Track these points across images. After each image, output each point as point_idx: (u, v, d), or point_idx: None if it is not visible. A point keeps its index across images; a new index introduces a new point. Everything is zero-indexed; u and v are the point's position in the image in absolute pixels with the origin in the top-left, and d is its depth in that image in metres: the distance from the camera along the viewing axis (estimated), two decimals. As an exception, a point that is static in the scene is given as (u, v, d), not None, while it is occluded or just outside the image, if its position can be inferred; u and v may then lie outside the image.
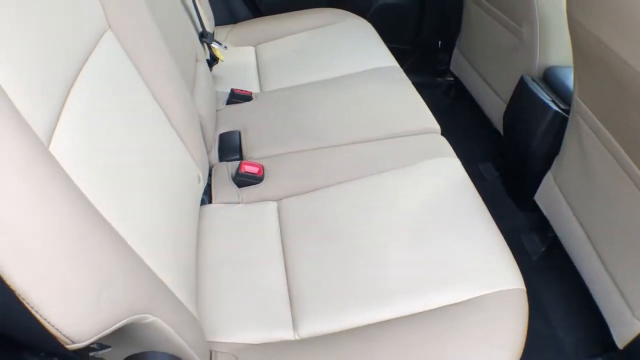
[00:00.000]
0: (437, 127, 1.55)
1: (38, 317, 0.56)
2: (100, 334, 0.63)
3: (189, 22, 1.72)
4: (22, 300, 0.55)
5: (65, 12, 0.87)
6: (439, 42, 2.64)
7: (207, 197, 1.36)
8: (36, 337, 0.60)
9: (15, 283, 0.54)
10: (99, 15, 1.00)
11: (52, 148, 0.70)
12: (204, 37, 1.81)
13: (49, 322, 0.57)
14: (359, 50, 2.00)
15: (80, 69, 0.86)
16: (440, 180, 1.32)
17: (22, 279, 0.55)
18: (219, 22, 2.24)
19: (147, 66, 1.09)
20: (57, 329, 0.58)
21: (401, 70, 1.86)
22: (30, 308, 0.56)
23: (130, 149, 0.94)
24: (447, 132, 1.55)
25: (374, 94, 1.70)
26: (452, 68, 2.54)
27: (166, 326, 0.77)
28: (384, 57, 1.95)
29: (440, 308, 1.03)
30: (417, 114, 1.60)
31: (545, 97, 1.67)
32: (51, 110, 0.74)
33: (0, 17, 0.67)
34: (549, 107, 1.64)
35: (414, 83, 1.78)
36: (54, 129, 0.73)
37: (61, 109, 0.76)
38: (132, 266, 0.73)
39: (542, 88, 1.72)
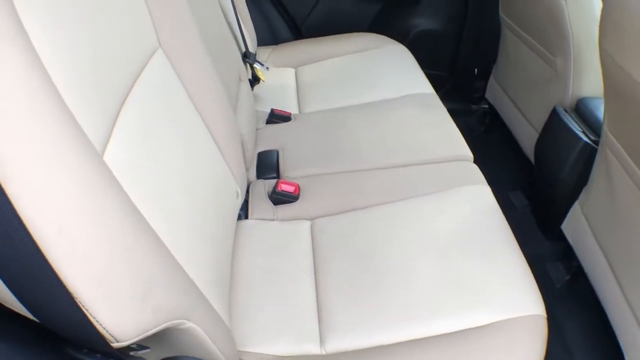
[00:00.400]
0: (470, 154, 1.58)
1: (88, 315, 0.61)
2: (142, 334, 0.68)
3: (233, 42, 1.79)
4: (74, 298, 0.60)
5: (121, 31, 0.93)
6: (476, 70, 2.67)
7: (243, 212, 1.41)
8: (81, 334, 0.64)
9: (70, 282, 0.59)
10: (150, 34, 1.06)
11: (106, 158, 0.75)
12: (247, 57, 1.88)
13: (97, 321, 0.62)
14: (396, 76, 2.04)
15: (133, 85, 0.92)
16: (470, 207, 1.35)
17: (77, 280, 0.60)
18: (262, 42, 2.31)
19: (193, 84, 1.15)
20: (104, 328, 0.63)
21: (437, 96, 1.90)
22: (81, 306, 0.61)
23: (176, 162, 0.99)
24: (479, 159, 1.58)
25: (409, 120, 1.74)
26: (487, 96, 2.56)
27: (202, 332, 0.82)
28: (420, 84, 1.99)
29: (463, 330, 1.06)
30: (451, 141, 1.64)
31: (576, 128, 1.69)
32: (106, 122, 0.79)
33: (61, 32, 0.72)
34: (579, 139, 1.66)
35: (449, 109, 1.81)
36: (107, 141, 0.78)
37: (115, 122, 0.82)
38: (174, 273, 0.78)
39: (573, 119, 1.75)
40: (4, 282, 0.59)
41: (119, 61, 0.89)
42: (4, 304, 0.64)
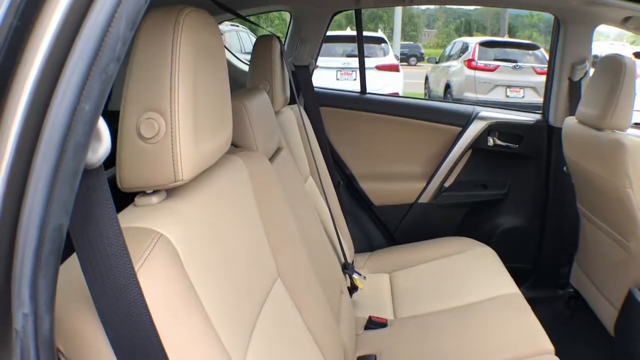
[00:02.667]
0: (550, 347, 1.71)
1: None
2: None
3: (334, 255, 2.05)
4: None
5: (252, 267, 1.19)
6: (559, 258, 2.81)
7: (343, 409, 1.56)
8: None
9: None
10: (272, 268, 1.32)
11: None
12: (346, 268, 2.12)
13: None
14: (483, 279, 2.20)
15: (260, 312, 1.16)
16: None
17: None
18: (358, 249, 2.55)
19: (304, 304, 1.38)
20: None
21: (521, 295, 2.04)
22: None
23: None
24: (566, 341, 1.76)
25: (496, 323, 1.88)
26: (571, 281, 2.67)
27: None
28: (506, 285, 2.14)
29: None
30: (533, 337, 1.77)
31: None
32: (241, 349, 1.02)
33: (213, 280, 0.98)
34: None
35: (536, 298, 1.97)
36: None
37: (247, 348, 1.05)
38: None
39: None
40: None
41: (249, 293, 1.14)
42: None
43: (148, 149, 0.91)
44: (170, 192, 1.00)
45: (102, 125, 0.59)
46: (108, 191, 0.65)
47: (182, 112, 0.91)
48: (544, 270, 2.88)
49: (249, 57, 2.04)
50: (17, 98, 0.51)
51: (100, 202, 0.64)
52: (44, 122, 0.50)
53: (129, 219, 0.90)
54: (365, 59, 3.04)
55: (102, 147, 0.60)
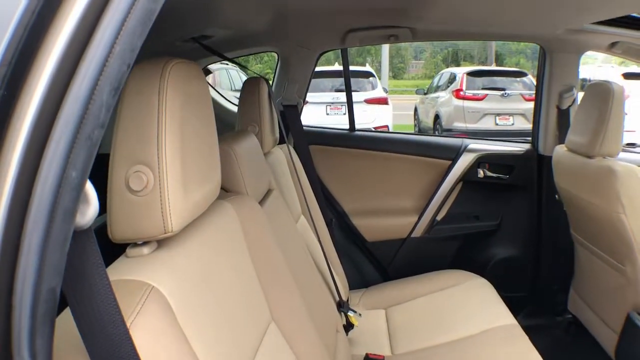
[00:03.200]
0: None
1: None
2: None
3: (329, 294, 2.05)
4: None
5: (242, 312, 1.19)
6: (555, 285, 2.82)
7: None
8: None
9: None
10: (265, 312, 1.32)
11: None
12: (341, 306, 2.11)
13: None
14: (479, 311, 2.20)
15: (255, 354, 1.16)
16: None
17: None
18: (353, 286, 2.55)
19: (300, 347, 1.37)
20: None
21: (518, 326, 2.04)
22: None
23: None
24: None
25: (494, 355, 1.89)
26: (569, 307, 2.68)
27: None
28: (502, 316, 2.14)
29: None
30: None
31: None
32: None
33: (201, 328, 0.98)
34: None
35: (535, 326, 1.97)
36: None
37: None
38: None
39: None
40: None
41: (243, 339, 1.14)
42: None
43: (137, 201, 0.92)
44: (162, 242, 1.01)
45: (89, 188, 0.60)
46: (98, 250, 0.66)
47: (170, 165, 0.92)
48: (540, 298, 2.89)
49: (239, 94, 2.06)
50: (5, 168, 0.52)
51: (90, 261, 0.65)
52: (33, 191, 0.52)
53: (120, 271, 0.91)
54: (354, 93, 3.09)
55: (90, 210, 0.61)
